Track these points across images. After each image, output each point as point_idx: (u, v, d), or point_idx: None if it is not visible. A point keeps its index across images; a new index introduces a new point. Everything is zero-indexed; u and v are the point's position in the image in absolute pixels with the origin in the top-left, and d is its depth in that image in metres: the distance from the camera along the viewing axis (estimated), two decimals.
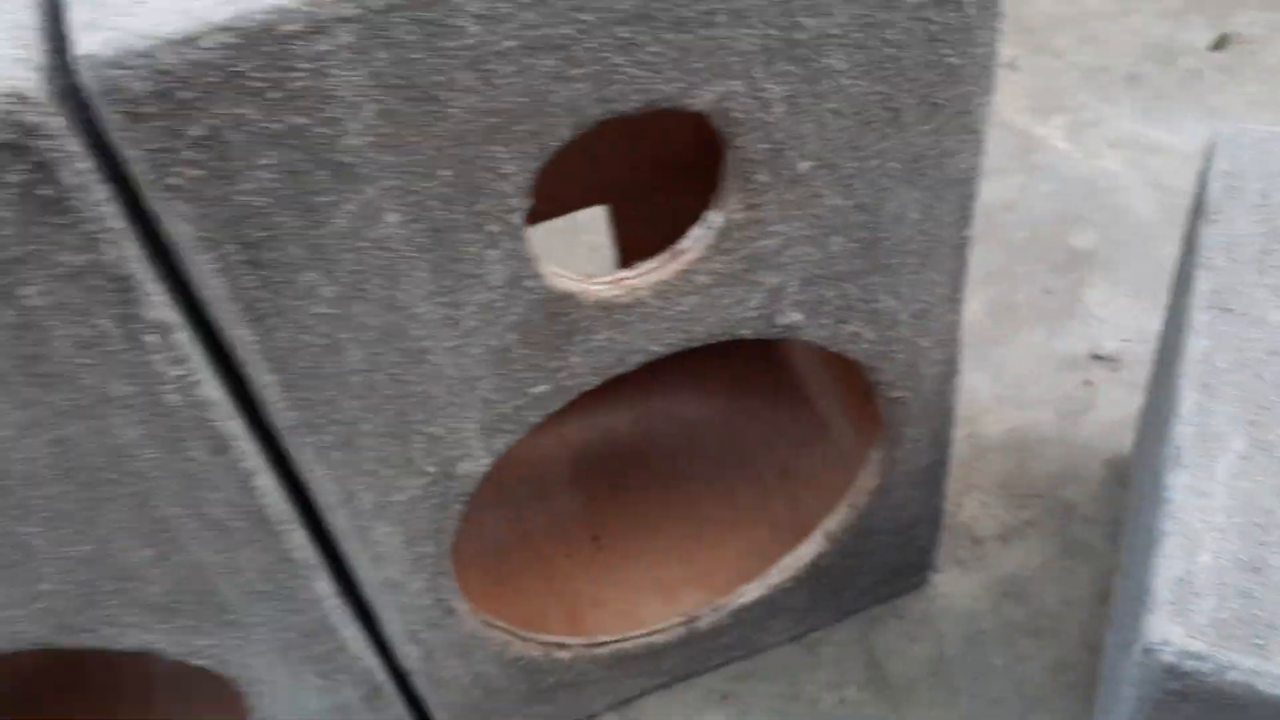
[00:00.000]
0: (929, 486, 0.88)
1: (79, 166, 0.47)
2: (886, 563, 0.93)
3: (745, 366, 1.12)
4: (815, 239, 0.66)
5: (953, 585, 0.99)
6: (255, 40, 0.46)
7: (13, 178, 0.45)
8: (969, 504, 1.05)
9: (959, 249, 0.71)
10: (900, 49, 0.59)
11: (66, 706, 0.96)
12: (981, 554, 1.01)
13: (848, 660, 0.95)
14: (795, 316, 0.70)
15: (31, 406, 0.53)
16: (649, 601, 0.97)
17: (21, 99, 0.44)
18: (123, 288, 0.51)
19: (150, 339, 0.53)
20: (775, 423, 1.08)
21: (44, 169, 0.46)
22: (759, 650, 0.96)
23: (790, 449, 1.06)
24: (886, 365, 0.76)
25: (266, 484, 0.63)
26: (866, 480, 0.86)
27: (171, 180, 0.49)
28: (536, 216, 0.61)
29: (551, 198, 0.85)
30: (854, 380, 0.83)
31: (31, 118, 0.44)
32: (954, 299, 0.74)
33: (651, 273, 0.64)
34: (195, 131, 0.48)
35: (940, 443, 0.85)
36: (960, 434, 1.10)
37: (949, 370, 0.79)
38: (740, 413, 1.10)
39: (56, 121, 0.45)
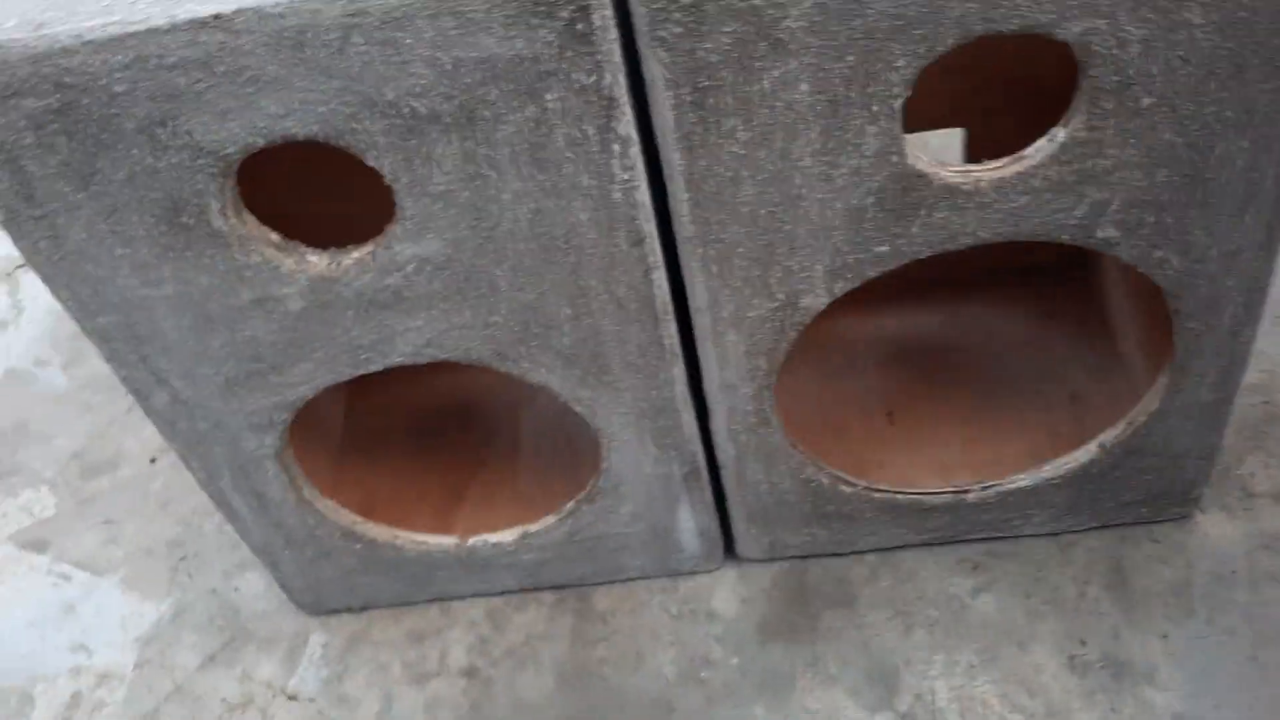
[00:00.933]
0: (1207, 422, 0.97)
1: (605, 13, 0.67)
2: (1152, 485, 1.03)
3: (1056, 297, 1.22)
4: (1144, 167, 0.77)
5: (1214, 527, 1.07)
6: None
7: (563, 14, 0.66)
8: (1251, 461, 1.11)
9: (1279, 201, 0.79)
10: (1254, 14, 0.68)
11: (452, 440, 1.25)
12: (1250, 506, 1.08)
13: (1096, 564, 1.06)
14: (1112, 232, 0.81)
15: (527, 181, 0.76)
16: (927, 478, 1.11)
17: None
18: (609, 106, 0.71)
19: (615, 147, 0.74)
20: (1074, 351, 1.18)
21: (584, 11, 0.66)
22: (1015, 536, 1.09)
23: (1084, 377, 1.16)
24: (1187, 295, 0.86)
25: (660, 279, 0.84)
26: (1148, 402, 0.96)
27: (660, 33, 0.69)
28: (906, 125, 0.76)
29: (921, 114, 0.99)
30: (1155, 313, 0.92)
31: None
32: (1268, 248, 0.82)
33: (995, 170, 0.78)
34: (685, 0, 0.67)
35: (1226, 383, 0.93)
36: (1257, 399, 1.15)
37: (1250, 315, 0.87)
38: (1043, 337, 1.20)
39: None
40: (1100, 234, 0.81)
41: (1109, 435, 1.00)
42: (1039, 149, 0.77)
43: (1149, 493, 1.04)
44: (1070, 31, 0.69)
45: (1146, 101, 0.73)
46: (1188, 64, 0.71)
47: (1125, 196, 0.79)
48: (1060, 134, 0.76)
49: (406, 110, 0.71)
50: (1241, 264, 0.83)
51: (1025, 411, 1.15)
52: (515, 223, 0.79)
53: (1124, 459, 1.00)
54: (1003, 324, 1.24)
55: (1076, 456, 1.01)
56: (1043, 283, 1.23)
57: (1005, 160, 0.78)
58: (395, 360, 0.89)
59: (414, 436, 1.29)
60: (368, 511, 1.12)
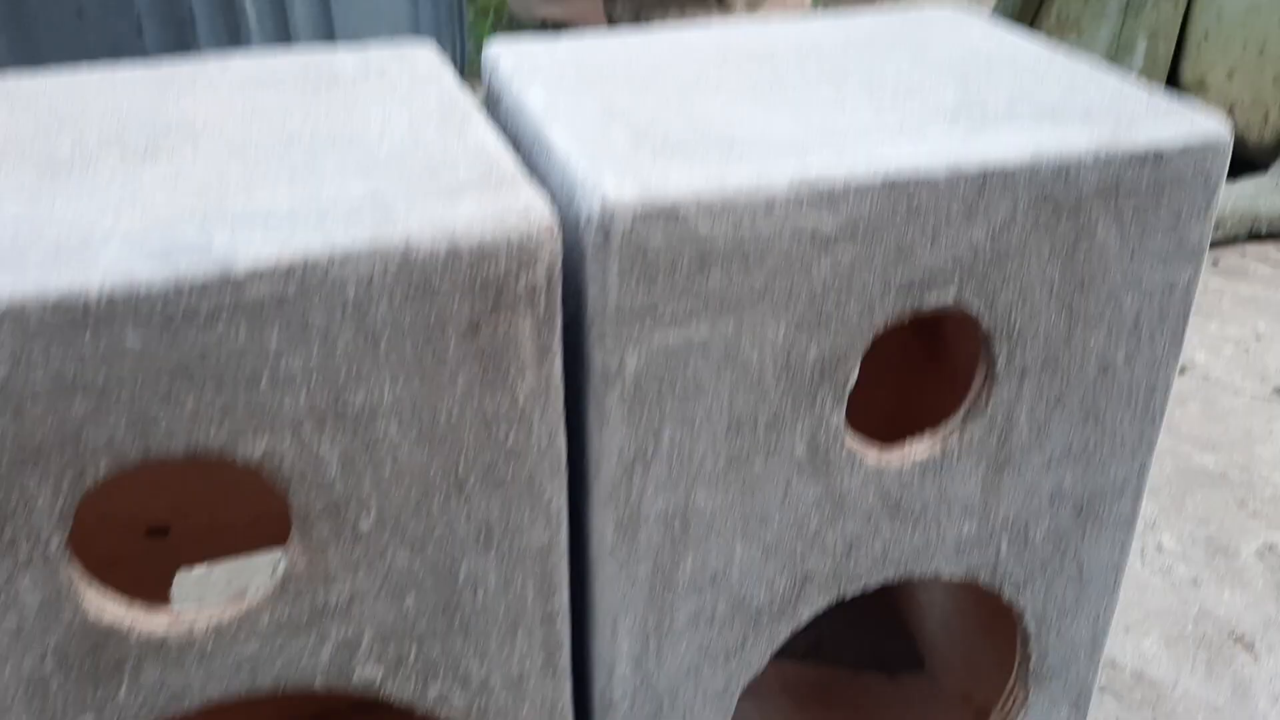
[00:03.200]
0: None
1: None
2: None
3: None
4: (386, 595, 0.68)
5: None
6: None
7: None
8: None
9: (549, 620, 0.74)
10: (456, 427, 0.65)
11: None
12: None
13: None
14: (374, 671, 0.70)
15: None
16: None
17: None
18: None
19: None
20: None
21: None
22: None
23: None
24: None
25: None
26: None
27: None
28: None
29: None
30: None
31: None
32: (551, 669, 0.76)
33: (211, 614, 0.65)
34: None
35: None
36: None
37: None
38: None
39: None
40: (360, 675, 0.70)
41: None
42: (258, 587, 0.66)
43: None
44: (253, 452, 0.61)
45: (367, 524, 0.66)
46: (401, 481, 0.65)
47: (376, 630, 0.69)
48: (279, 567, 0.66)
49: None
50: (531, 690, 0.76)
51: None
52: None
53: None
54: None
55: None
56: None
57: (223, 604, 0.66)
58: None
59: None
60: None
